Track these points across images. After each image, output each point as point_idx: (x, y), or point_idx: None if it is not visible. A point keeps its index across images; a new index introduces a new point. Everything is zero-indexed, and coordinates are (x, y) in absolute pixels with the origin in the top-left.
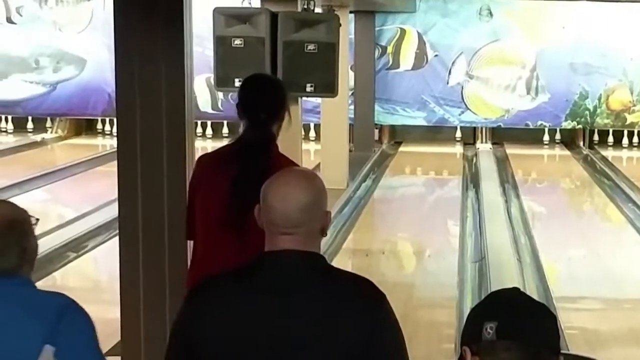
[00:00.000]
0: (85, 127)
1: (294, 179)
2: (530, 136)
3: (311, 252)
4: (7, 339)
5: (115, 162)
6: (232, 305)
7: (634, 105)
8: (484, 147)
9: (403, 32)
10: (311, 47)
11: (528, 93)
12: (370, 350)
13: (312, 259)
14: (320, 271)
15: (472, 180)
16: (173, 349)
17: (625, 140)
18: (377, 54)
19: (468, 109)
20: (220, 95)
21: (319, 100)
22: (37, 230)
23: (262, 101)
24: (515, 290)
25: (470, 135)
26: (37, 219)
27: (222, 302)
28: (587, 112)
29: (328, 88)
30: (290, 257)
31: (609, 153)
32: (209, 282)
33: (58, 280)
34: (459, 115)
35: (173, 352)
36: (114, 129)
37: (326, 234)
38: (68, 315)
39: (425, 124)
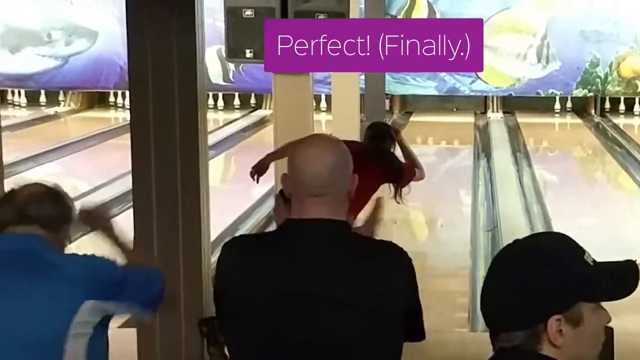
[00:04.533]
0: (98, 99)
1: (320, 142)
2: (541, 104)
3: (337, 220)
4: (41, 299)
5: (128, 135)
6: (257, 267)
7: None
8: (495, 116)
9: (413, 1)
10: (322, 16)
11: (539, 61)
12: (405, 305)
13: (338, 227)
14: (346, 239)
15: (483, 149)
16: (215, 304)
17: (636, 108)
18: None
19: (479, 78)
20: (231, 66)
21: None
22: None
23: None
24: (526, 239)
25: (481, 104)
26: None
27: (245, 265)
28: (598, 80)
29: None
30: (318, 227)
31: (621, 121)
32: (240, 243)
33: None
34: (470, 84)
35: (216, 308)
36: (126, 102)
37: (352, 198)
38: (98, 268)
39: (436, 93)
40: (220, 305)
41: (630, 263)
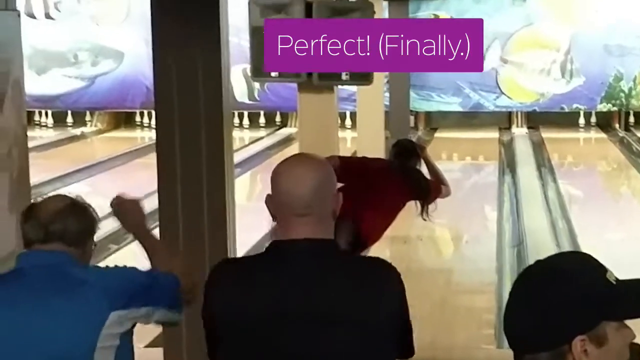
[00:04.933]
0: (124, 120)
1: (303, 161)
2: (565, 119)
3: (324, 239)
4: (68, 314)
5: (155, 154)
6: (246, 290)
7: None
8: (519, 131)
9: (437, 18)
10: None
11: (563, 76)
12: (396, 320)
13: (325, 247)
14: (335, 258)
15: (508, 165)
16: (205, 330)
17: None
18: None
19: (503, 93)
20: (256, 85)
21: (354, 88)
22: None
23: None
24: (547, 260)
25: (505, 120)
26: (96, 244)
27: (235, 287)
28: (622, 94)
29: (363, 76)
30: (304, 246)
31: None
32: (226, 266)
33: None
34: (494, 100)
35: (206, 334)
36: (153, 122)
37: (336, 217)
38: (123, 278)
39: (460, 109)
40: (211, 330)
41: None
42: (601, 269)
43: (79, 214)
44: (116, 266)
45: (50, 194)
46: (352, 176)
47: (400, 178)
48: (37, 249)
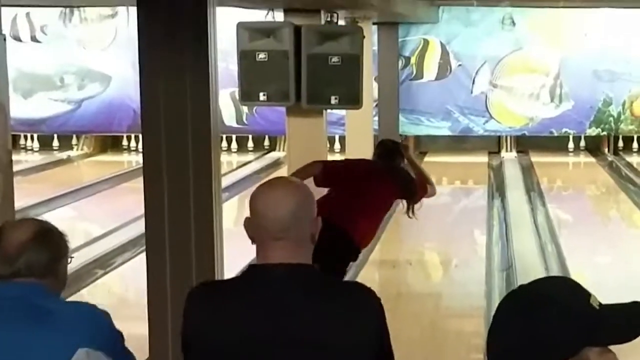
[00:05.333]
0: (111, 143)
1: (280, 185)
2: (554, 144)
3: (302, 264)
4: (37, 348)
5: (142, 179)
6: (221, 315)
7: None
8: (509, 155)
9: (426, 42)
10: (335, 59)
11: (552, 101)
12: (375, 347)
13: (302, 271)
14: (312, 283)
15: (497, 189)
16: (183, 354)
17: None
18: (400, 64)
19: (492, 117)
20: (244, 109)
21: (343, 112)
22: None
23: None
24: (531, 284)
25: (495, 144)
26: (72, 257)
27: (208, 312)
28: (611, 119)
29: (352, 100)
30: (280, 272)
31: (634, 159)
32: (204, 288)
33: (86, 297)
34: (484, 124)
35: (183, 355)
36: (140, 145)
37: (315, 242)
38: (98, 318)
39: (449, 133)
40: (187, 356)
41: (638, 305)
42: (585, 294)
43: (45, 243)
44: (94, 306)
45: (17, 219)
46: (339, 180)
47: (387, 177)
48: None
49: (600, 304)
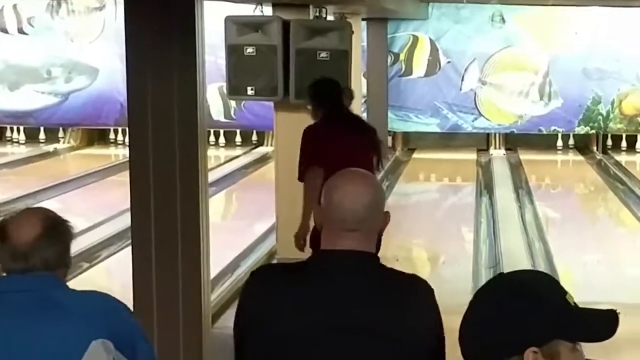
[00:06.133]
0: (98, 137)
1: (357, 178)
2: (543, 142)
3: (368, 252)
4: (51, 340)
5: (128, 172)
6: (286, 299)
7: None
8: (497, 153)
9: (415, 39)
10: (323, 54)
11: (541, 99)
12: (434, 338)
13: (369, 260)
14: (378, 273)
15: (486, 186)
16: (235, 340)
17: (638, 145)
18: (389, 61)
19: (481, 115)
20: (233, 103)
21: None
22: None
23: None
24: (509, 274)
25: (483, 141)
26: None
27: (275, 294)
28: (600, 117)
29: None
30: (349, 259)
31: (623, 158)
32: (268, 270)
33: None
34: (472, 121)
35: (236, 344)
36: (127, 139)
37: (382, 235)
38: (113, 309)
39: (438, 130)
40: (244, 337)
41: (612, 312)
42: (561, 290)
43: (56, 236)
44: (108, 295)
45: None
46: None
47: (358, 138)
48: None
49: (575, 303)
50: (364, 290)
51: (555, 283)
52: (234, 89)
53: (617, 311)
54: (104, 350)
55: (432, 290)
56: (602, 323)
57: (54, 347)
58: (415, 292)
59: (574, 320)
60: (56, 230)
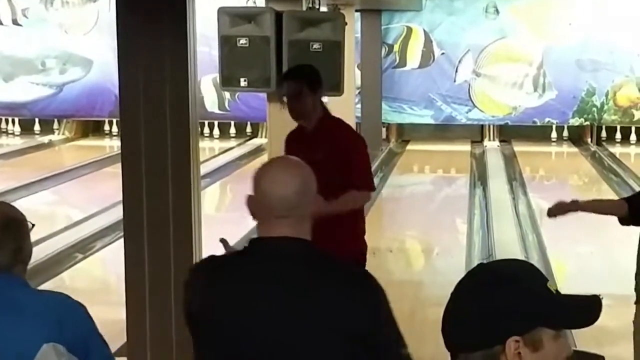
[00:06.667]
0: (92, 128)
1: (286, 165)
2: (537, 133)
3: (302, 239)
4: (4, 340)
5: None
6: (225, 286)
7: None
8: (491, 144)
9: (409, 30)
10: (316, 45)
11: (535, 90)
12: (369, 340)
13: (302, 246)
14: (311, 257)
15: (479, 178)
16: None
17: (632, 137)
18: (383, 52)
19: (475, 106)
20: (227, 95)
21: (325, 99)
22: (45, 232)
23: None
24: (490, 263)
25: (477, 133)
26: (33, 224)
27: (215, 283)
28: (594, 109)
29: (334, 87)
30: (281, 244)
31: (617, 149)
32: (207, 262)
33: (66, 282)
34: (467, 113)
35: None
36: None
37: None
38: (66, 311)
39: (432, 122)
40: (193, 330)
41: (595, 297)
42: (542, 278)
43: (8, 237)
44: (68, 297)
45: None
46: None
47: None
48: None
49: (557, 290)
50: (297, 277)
51: (536, 271)
52: (227, 80)
53: (601, 296)
54: (55, 354)
55: (371, 283)
56: (585, 309)
57: (7, 345)
58: (350, 281)
59: (555, 308)
60: (8, 229)
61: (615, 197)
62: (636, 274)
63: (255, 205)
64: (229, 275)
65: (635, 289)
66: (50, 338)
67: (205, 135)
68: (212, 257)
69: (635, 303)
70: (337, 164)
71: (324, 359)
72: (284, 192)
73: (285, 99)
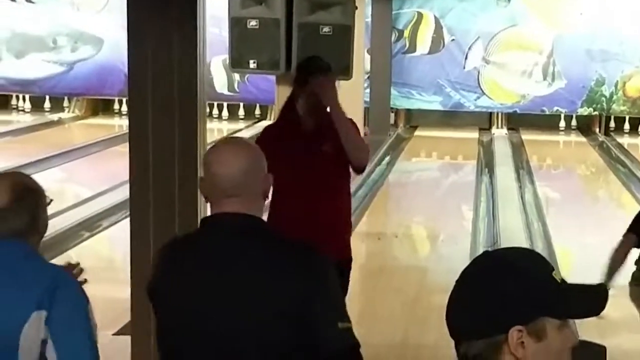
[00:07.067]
0: (102, 107)
1: (230, 144)
2: (546, 122)
3: (253, 215)
4: None
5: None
6: (177, 264)
7: None
8: (499, 132)
9: (420, 15)
10: (326, 29)
11: (544, 79)
12: (306, 314)
13: (253, 221)
14: (259, 233)
15: (487, 165)
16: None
17: None
18: (393, 37)
19: (484, 94)
20: (236, 76)
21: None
22: (53, 209)
23: None
24: (495, 251)
25: (486, 120)
26: (51, 200)
27: (170, 261)
28: (603, 99)
29: (343, 70)
30: (232, 219)
31: (625, 140)
32: (169, 243)
33: (72, 259)
34: (475, 100)
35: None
36: None
37: (268, 197)
38: (62, 284)
39: (441, 108)
40: (154, 309)
41: (602, 286)
42: (548, 267)
43: (24, 206)
44: (68, 275)
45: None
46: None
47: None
48: None
49: (562, 279)
50: (246, 252)
51: (542, 260)
52: (236, 62)
53: (608, 287)
54: (36, 330)
55: (317, 257)
56: (591, 299)
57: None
58: (300, 260)
59: (560, 297)
60: (25, 199)
61: (622, 188)
62: (636, 261)
63: (206, 187)
64: (181, 254)
65: (634, 274)
66: (41, 306)
67: (214, 116)
68: (173, 238)
69: (629, 284)
70: (342, 152)
71: (269, 333)
72: (229, 171)
73: (310, 94)
